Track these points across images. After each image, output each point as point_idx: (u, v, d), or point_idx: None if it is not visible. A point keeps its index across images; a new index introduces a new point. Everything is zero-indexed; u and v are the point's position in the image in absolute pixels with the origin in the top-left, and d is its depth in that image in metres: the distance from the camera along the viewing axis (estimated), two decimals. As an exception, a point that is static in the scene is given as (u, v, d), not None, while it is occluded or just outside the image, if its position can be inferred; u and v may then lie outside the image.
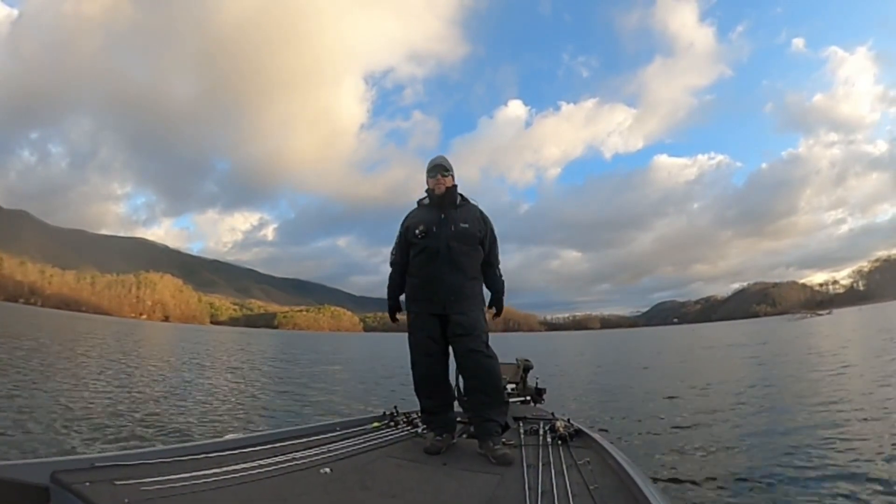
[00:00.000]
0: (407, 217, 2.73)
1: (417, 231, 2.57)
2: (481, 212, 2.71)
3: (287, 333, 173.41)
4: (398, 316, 2.79)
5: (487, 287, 2.72)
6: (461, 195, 2.69)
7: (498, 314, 2.79)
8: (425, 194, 2.72)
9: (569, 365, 17.75)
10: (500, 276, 2.78)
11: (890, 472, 3.69)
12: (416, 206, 2.76)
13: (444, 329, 2.52)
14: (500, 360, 2.78)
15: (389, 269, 2.76)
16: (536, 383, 4.39)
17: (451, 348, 2.55)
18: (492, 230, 2.70)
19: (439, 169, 2.63)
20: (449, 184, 2.64)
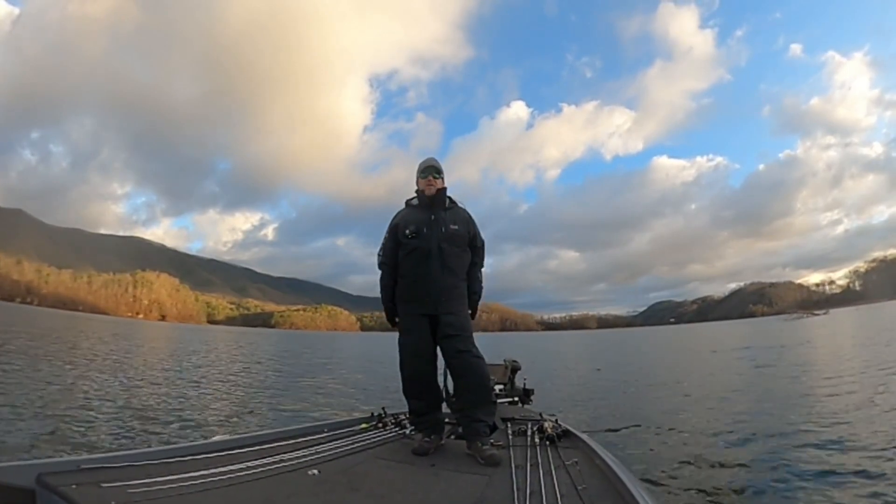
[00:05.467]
0: (395, 216, 2.71)
1: (408, 231, 2.56)
2: (469, 214, 2.73)
3: (283, 333, 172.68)
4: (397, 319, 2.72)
5: (468, 287, 2.69)
6: (450, 198, 2.69)
7: (472, 316, 2.71)
8: (415, 195, 2.71)
9: (559, 365, 17.73)
10: (481, 278, 2.77)
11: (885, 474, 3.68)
12: (404, 206, 2.74)
13: (434, 329, 2.52)
14: (489, 361, 2.78)
15: (380, 271, 2.72)
16: (524, 384, 4.39)
17: (439, 349, 2.54)
18: (479, 233, 2.72)
19: (431, 170, 2.64)
20: (440, 185, 2.65)
